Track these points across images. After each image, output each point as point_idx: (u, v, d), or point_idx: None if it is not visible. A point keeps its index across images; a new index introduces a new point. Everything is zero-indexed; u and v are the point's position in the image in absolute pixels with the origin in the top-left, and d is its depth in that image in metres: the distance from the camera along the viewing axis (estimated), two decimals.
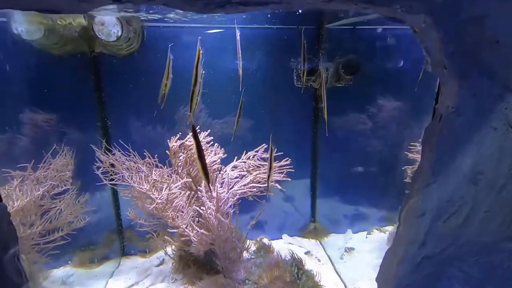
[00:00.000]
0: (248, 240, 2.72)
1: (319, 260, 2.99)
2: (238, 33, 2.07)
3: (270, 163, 1.99)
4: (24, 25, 2.01)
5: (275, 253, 2.83)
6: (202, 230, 2.15)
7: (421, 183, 1.53)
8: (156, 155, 2.44)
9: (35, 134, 2.48)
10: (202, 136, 2.31)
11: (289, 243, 3.25)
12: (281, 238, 3.33)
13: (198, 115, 3.14)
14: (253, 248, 2.93)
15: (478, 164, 1.38)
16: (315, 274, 2.51)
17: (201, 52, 1.68)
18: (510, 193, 1.37)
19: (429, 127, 1.51)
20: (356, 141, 3.34)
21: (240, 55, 2.11)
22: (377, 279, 1.80)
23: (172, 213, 2.18)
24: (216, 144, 2.48)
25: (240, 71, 2.11)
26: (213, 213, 2.15)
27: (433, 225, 1.51)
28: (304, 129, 3.19)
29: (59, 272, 2.67)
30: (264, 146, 2.53)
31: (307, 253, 3.06)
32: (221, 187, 2.23)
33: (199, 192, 2.22)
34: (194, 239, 2.19)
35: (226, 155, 2.50)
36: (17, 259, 1.20)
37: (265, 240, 3.14)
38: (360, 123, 3.28)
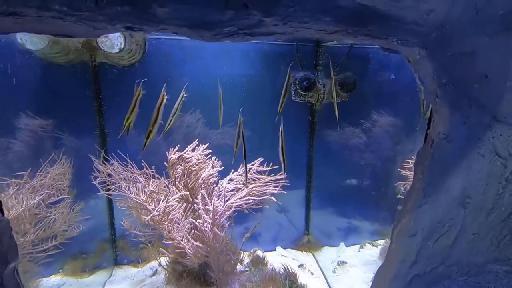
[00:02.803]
0: (242, 252, 2.74)
1: (312, 273, 3.01)
2: (220, 91, 2.34)
3: (282, 148, 2.05)
4: (28, 35, 2.03)
5: (269, 266, 2.85)
6: (197, 243, 2.16)
7: (413, 203, 1.59)
8: (154, 165, 2.46)
9: (33, 140, 2.47)
10: (200, 149, 2.34)
11: (283, 255, 3.27)
12: (275, 250, 3.35)
13: (196, 125, 3.18)
14: (247, 260, 2.95)
15: (467, 188, 1.44)
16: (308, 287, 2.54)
17: (165, 97, 1.76)
18: (497, 217, 1.43)
19: (421, 151, 1.58)
20: (351, 155, 3.42)
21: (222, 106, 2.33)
22: None
23: (168, 225, 2.19)
24: (214, 157, 2.51)
25: (221, 118, 2.34)
26: (209, 226, 2.17)
27: (424, 245, 1.56)
28: (300, 142, 3.25)
29: (50, 281, 2.64)
30: (260, 159, 2.57)
31: (300, 266, 3.08)
32: (218, 200, 2.25)
33: (195, 205, 2.24)
34: (189, 251, 2.20)
35: (223, 167, 2.54)
36: (17, 273, 1.21)
37: (259, 252, 3.16)
38: (354, 138, 3.36)
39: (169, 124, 1.89)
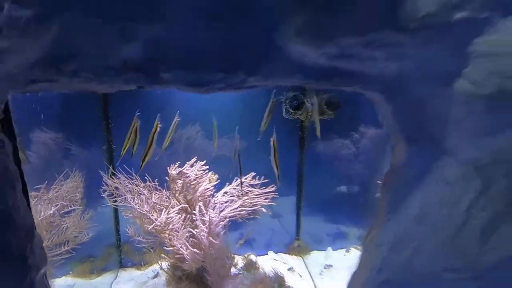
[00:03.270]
0: (236, 257, 3.00)
1: (300, 276, 3.28)
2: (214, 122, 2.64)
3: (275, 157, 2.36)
4: None
5: (260, 269, 3.11)
6: (195, 250, 2.43)
7: (380, 218, 1.86)
8: (157, 178, 2.73)
9: (48, 154, 2.74)
10: (198, 165, 2.60)
11: (274, 259, 3.54)
12: (267, 254, 3.62)
13: (195, 137, 3.45)
14: (241, 264, 3.21)
15: (423, 208, 1.70)
16: None
17: (159, 125, 2.04)
18: (448, 234, 1.69)
19: (386, 173, 1.84)
20: (339, 165, 3.69)
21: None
22: None
23: (169, 233, 2.45)
24: (211, 170, 2.78)
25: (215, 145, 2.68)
26: (205, 234, 2.43)
27: (388, 255, 1.82)
28: (291, 155, 3.51)
29: (61, 282, 2.90)
30: (253, 174, 2.83)
31: (290, 269, 3.34)
32: (213, 211, 2.52)
33: (193, 215, 2.50)
34: (188, 257, 2.46)
35: (219, 180, 2.80)
36: (45, 278, 1.48)
37: (252, 257, 3.42)
38: (343, 150, 3.63)
39: (164, 146, 2.16)
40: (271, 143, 2.39)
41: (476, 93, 1.32)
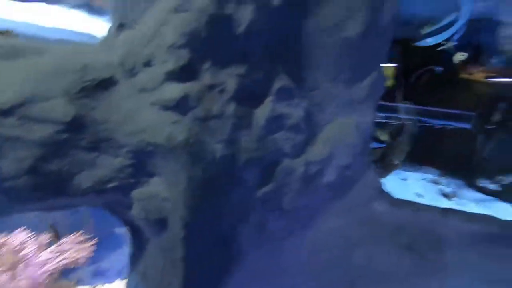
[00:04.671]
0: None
1: None
2: None
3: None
4: None
5: None
6: None
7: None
8: None
9: None
10: (23, 234, 3.38)
11: (119, 285, 4.50)
12: (114, 282, 4.56)
13: None
14: None
15: (149, 256, 2.82)
16: None
17: None
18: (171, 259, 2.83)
19: None
20: None
21: None
22: None
23: None
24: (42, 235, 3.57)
25: None
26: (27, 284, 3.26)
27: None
28: None
29: None
30: (79, 233, 3.71)
31: None
32: (35, 267, 3.35)
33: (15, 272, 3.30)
34: None
35: (50, 239, 3.61)
36: None
37: (99, 286, 4.33)
38: None
39: None
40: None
41: None
